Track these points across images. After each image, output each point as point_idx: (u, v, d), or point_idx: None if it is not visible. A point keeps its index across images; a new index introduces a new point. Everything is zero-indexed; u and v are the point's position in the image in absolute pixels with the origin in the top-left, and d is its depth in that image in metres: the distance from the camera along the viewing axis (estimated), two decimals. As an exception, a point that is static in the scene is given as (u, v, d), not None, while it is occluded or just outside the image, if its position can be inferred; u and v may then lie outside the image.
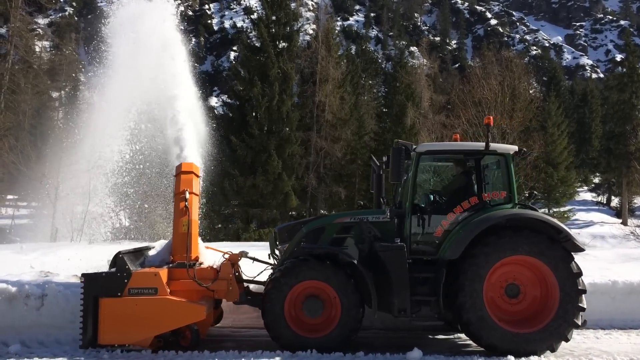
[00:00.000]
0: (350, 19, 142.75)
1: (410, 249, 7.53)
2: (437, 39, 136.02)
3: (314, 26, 47.04)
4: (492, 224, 7.27)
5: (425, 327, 8.54)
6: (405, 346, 7.27)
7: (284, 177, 28.87)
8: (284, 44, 31.76)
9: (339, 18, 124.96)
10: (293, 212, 30.83)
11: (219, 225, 30.62)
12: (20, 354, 6.81)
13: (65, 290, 7.65)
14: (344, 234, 7.94)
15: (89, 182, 21.53)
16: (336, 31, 42.08)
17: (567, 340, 7.14)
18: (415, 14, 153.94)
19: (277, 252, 8.36)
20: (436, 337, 8.47)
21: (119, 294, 6.93)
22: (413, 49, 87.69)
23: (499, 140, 23.30)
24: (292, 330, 7.13)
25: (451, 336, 8.44)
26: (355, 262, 7.35)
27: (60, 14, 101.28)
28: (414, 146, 7.91)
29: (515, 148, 8.07)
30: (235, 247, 9.75)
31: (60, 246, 14.85)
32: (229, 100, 34.28)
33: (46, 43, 53.39)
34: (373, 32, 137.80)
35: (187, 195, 7.67)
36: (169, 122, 8.55)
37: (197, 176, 8.16)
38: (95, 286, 6.97)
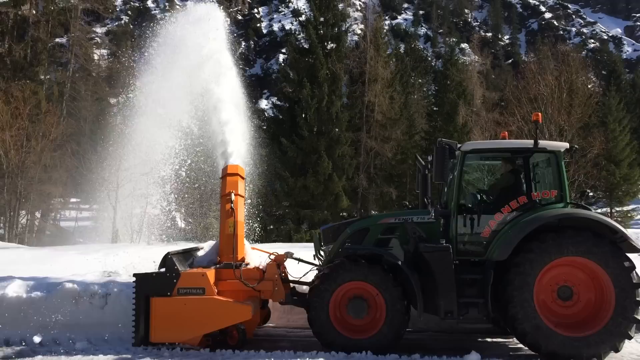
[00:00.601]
0: (399, 17, 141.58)
1: (456, 249, 7.37)
2: (489, 34, 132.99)
3: (362, 26, 46.87)
4: (543, 224, 7.04)
5: (473, 330, 8.35)
6: (462, 349, 7.13)
7: (334, 178, 28.88)
8: (332, 44, 31.75)
9: (387, 17, 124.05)
10: (344, 213, 30.80)
11: (271, 227, 30.96)
12: (86, 351, 7.08)
13: (127, 290, 7.90)
14: (389, 235, 7.86)
15: (146, 185, 22.19)
16: (384, 30, 41.74)
17: (629, 337, 6.84)
18: (466, 10, 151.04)
19: (321, 252, 8.37)
20: (495, 340, 8.27)
21: (169, 293, 7.12)
22: (464, 45, 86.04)
23: (557, 138, 22.56)
24: (341, 334, 7.12)
25: (510, 339, 8.22)
26: (400, 263, 7.27)
27: (116, 23, 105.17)
28: (459, 145, 7.76)
29: (566, 145, 7.81)
30: (285, 248, 9.84)
31: (121, 247, 15.39)
32: (279, 102, 34.58)
33: (104, 51, 55.52)
34: (422, 30, 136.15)
35: (233, 197, 7.77)
36: (215, 125, 8.70)
37: (243, 178, 8.27)
38: (146, 286, 7.19)
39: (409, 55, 55.59)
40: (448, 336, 8.41)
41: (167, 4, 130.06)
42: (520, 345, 7.77)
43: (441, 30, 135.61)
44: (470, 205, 7.64)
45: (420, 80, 54.23)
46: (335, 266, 7.26)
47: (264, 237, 28.54)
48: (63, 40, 41.27)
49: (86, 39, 39.11)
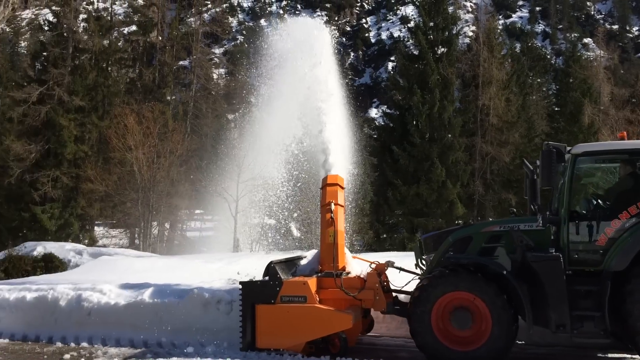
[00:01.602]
0: (513, 15, 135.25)
1: (568, 259, 6.87)
2: (615, 27, 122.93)
3: (474, 28, 45.49)
4: None
5: (590, 345, 7.72)
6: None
7: (448, 185, 28.34)
8: (443, 49, 31.31)
9: (500, 16, 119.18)
10: (459, 221, 29.95)
11: (384, 235, 30.87)
12: (215, 354, 7.47)
13: (250, 297, 8.20)
14: (494, 244, 7.50)
15: (264, 197, 23.04)
16: (498, 30, 40.17)
17: None
18: (588, 3, 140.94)
19: (422, 262, 8.19)
20: (617, 355, 7.54)
21: (272, 301, 7.34)
22: (587, 40, 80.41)
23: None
24: (447, 347, 6.90)
25: (635, 355, 7.46)
26: (505, 272, 6.90)
27: (232, 43, 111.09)
28: (568, 148, 7.33)
29: None
30: (399, 257, 9.81)
31: (242, 256, 16.10)
32: (389, 111, 34.64)
33: (222, 70, 58.91)
34: (539, 27, 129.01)
35: (333, 207, 7.88)
36: (317, 136, 8.96)
37: (342, 188, 8.34)
38: (251, 293, 7.48)
39: (526, 55, 52.80)
40: (582, 352, 7.79)
41: (279, 21, 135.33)
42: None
43: (561, 26, 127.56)
44: (584, 212, 7.11)
45: (539, 80, 51.29)
46: (434, 277, 7.09)
47: (378, 245, 28.49)
48: (186, 62, 44.38)
49: (206, 60, 41.78)
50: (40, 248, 19.64)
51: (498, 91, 32.08)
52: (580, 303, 6.68)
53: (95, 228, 36.38)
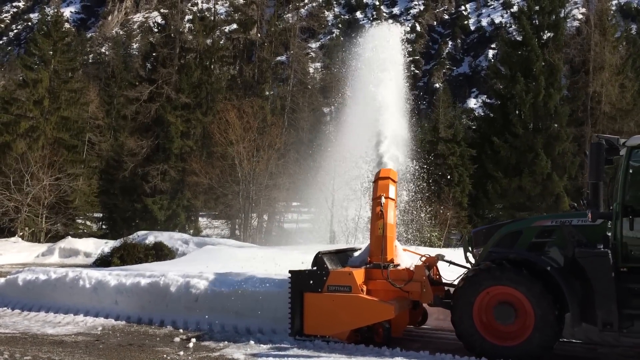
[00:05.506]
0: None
1: (623, 255, 6.55)
2: None
3: (583, 10, 42.59)
4: None
5: (638, 344, 7.19)
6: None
7: (554, 178, 27.01)
8: (549, 33, 29.91)
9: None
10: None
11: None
12: (313, 343, 7.63)
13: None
14: (544, 239, 7.26)
15: (360, 189, 23.08)
16: (611, 11, 37.33)
17: None
18: None
19: (470, 256, 8.17)
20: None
21: (320, 289, 7.59)
22: None
23: None
24: (486, 339, 6.82)
25: None
26: (549, 268, 6.71)
27: (328, 37, 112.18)
28: (622, 140, 6.97)
29: None
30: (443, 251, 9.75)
31: (338, 248, 16.22)
32: (489, 100, 33.55)
33: (317, 64, 59.66)
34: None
35: (383, 200, 8.00)
36: (374, 133, 9.18)
37: (394, 182, 8.43)
38: (300, 282, 7.74)
39: (643, 36, 48.69)
40: (633, 352, 7.34)
41: (374, 13, 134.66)
42: None
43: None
44: (639, 207, 6.68)
45: (658, 64, 47.12)
46: (478, 270, 7.05)
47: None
48: (283, 58, 45.44)
49: (303, 54, 42.52)
50: (151, 237, 21.02)
51: (611, 77, 30.00)
52: (632, 302, 6.39)
53: (200, 219, 38.37)
